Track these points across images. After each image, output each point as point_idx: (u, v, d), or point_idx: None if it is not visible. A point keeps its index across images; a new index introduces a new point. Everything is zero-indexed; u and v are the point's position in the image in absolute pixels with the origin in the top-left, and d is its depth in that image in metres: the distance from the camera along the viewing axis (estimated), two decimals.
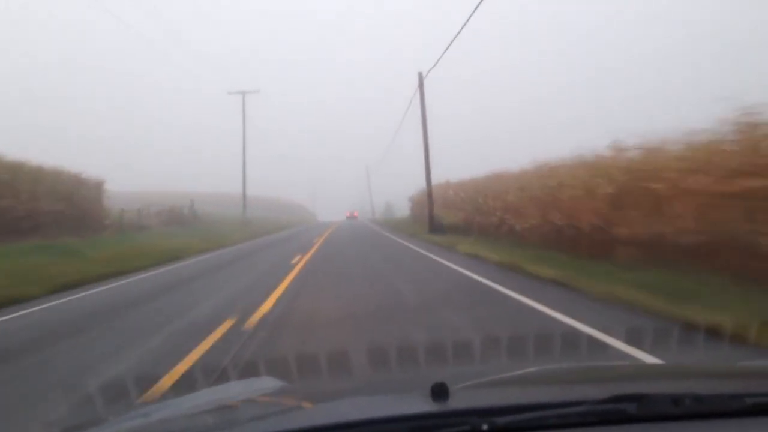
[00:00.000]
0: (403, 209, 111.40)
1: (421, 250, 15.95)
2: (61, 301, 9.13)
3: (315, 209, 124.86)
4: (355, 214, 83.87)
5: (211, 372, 4.21)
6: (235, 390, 2.31)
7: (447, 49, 20.72)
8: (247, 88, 42.57)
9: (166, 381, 4.08)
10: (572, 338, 4.83)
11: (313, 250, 17.31)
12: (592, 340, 4.79)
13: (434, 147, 27.65)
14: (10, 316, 7.80)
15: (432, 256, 13.93)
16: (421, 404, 1.39)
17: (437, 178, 38.61)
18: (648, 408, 1.29)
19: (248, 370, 4.09)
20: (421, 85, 25.78)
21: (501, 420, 1.25)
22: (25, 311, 8.15)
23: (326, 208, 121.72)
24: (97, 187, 28.17)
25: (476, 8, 14.75)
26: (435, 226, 25.18)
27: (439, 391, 1.35)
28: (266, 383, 2.31)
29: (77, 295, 9.66)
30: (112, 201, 32.06)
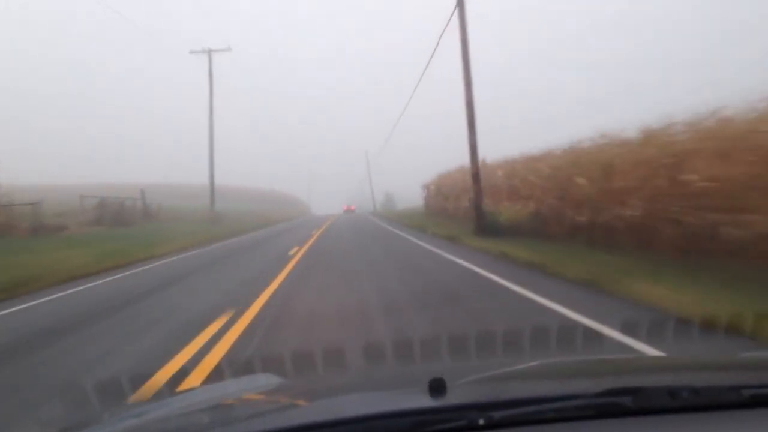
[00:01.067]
0: (405, 201, 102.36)
1: (535, 297, 6.50)
2: None
3: (310, 202, 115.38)
4: (353, 207, 77.77)
5: None
6: (232, 387, 2.23)
7: None
8: (215, 46, 32.94)
9: None
10: None
11: (278, 281, 8.07)
12: None
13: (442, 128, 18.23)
14: None
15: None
16: (418, 399, 1.37)
17: (455, 161, 29.55)
18: (644, 401, 1.27)
19: (245, 368, 3.90)
20: (460, 4, 16.32)
21: (498, 414, 1.24)
22: None
23: (322, 201, 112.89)
24: None
25: None
26: (486, 225, 15.88)
27: (437, 386, 1.34)
28: (263, 380, 2.21)
29: None
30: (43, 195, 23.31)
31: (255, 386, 2.03)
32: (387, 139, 58.85)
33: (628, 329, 4.38)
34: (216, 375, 3.90)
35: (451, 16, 16.75)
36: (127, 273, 11.29)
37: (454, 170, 29.76)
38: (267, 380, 2.13)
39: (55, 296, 8.57)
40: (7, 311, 7.52)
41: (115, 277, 10.74)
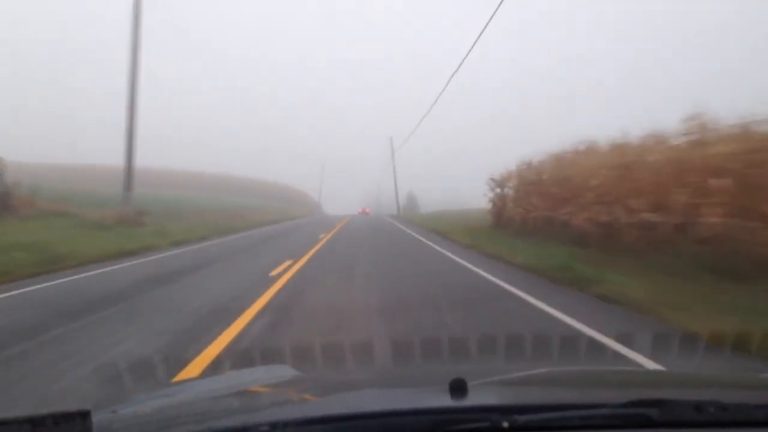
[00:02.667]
0: (429, 204, 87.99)
1: None
2: None
3: (322, 200, 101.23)
4: (367, 210, 72.56)
5: None
6: (254, 376, 2.21)
7: None
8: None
9: None
10: None
11: None
12: None
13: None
14: None
15: None
16: (439, 399, 1.35)
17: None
18: (670, 414, 1.25)
19: (268, 358, 3.76)
20: None
21: (522, 418, 1.21)
22: None
23: (338, 200, 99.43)
24: None
25: None
26: None
27: (458, 387, 1.32)
28: (285, 371, 2.28)
29: None
30: None
31: (276, 376, 2.07)
32: (407, 137, 45.17)
33: None
34: None
35: None
36: None
37: (574, 150, 15.58)
38: (287, 371, 2.23)
39: None
40: None
41: None
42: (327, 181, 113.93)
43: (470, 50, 16.40)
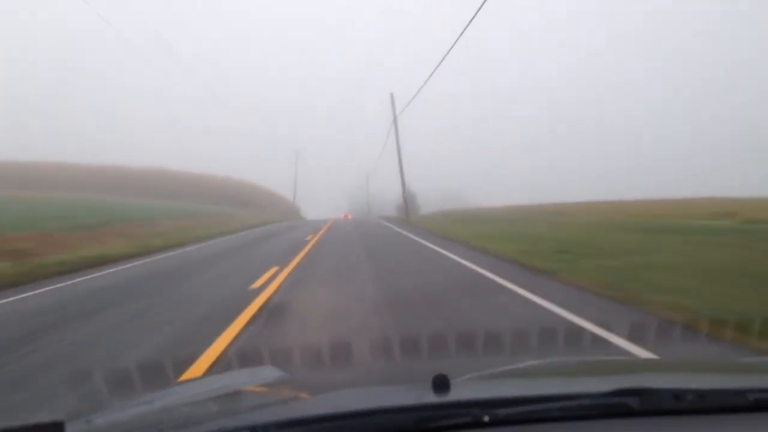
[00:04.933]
0: (426, 203, 70.91)
1: None
2: None
3: (302, 201, 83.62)
4: (350, 216, 68.76)
5: None
6: (237, 379, 2.19)
7: None
8: None
9: None
10: None
11: None
12: None
13: None
14: None
15: None
16: (422, 395, 1.33)
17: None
18: (650, 402, 1.25)
19: (252, 359, 3.86)
20: None
21: (502, 412, 1.21)
22: None
23: (321, 202, 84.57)
24: None
25: None
26: None
27: (440, 383, 1.31)
28: (268, 372, 2.24)
29: None
30: None
31: (259, 378, 2.02)
32: (413, 96, 30.22)
33: None
34: None
35: None
36: None
37: None
38: (271, 373, 2.15)
39: None
40: None
41: None
42: (313, 183, 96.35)
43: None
